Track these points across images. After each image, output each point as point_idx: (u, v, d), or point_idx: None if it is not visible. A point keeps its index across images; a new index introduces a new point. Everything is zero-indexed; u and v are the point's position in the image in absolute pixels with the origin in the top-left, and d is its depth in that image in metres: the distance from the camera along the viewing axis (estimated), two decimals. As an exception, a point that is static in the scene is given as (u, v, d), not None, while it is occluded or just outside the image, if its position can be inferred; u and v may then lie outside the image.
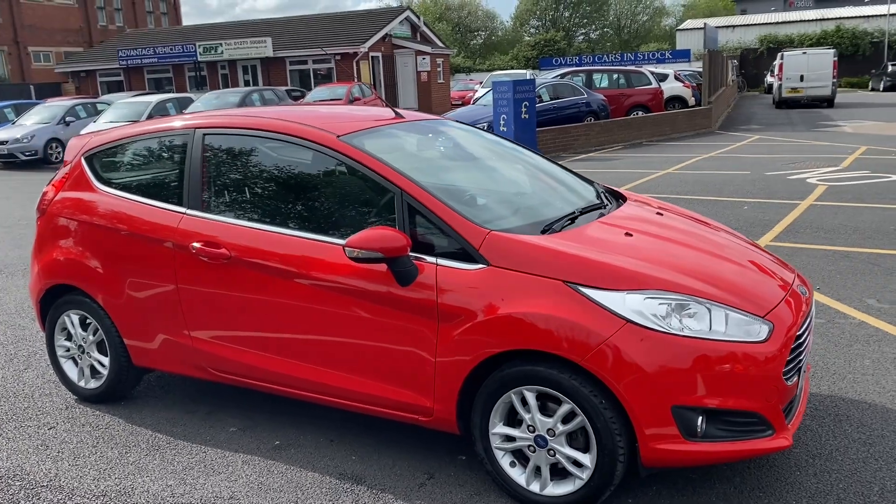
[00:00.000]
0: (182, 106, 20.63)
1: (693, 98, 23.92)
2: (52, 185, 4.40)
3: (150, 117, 19.70)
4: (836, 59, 28.68)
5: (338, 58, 28.56)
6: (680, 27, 54.22)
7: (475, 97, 24.52)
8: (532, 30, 73.23)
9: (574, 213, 3.56)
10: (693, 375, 2.80)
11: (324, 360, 3.47)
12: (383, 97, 29.09)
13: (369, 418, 3.77)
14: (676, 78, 24.24)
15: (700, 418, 2.82)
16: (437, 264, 3.15)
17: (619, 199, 4.04)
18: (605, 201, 3.91)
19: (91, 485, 3.45)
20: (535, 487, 3.09)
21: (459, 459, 3.52)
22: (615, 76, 21.64)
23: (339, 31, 30.97)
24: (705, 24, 31.77)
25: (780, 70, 28.75)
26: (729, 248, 3.57)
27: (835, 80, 28.49)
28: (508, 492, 3.15)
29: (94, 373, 4.33)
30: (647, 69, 22.18)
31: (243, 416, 4.08)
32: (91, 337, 4.25)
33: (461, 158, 4.23)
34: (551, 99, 18.40)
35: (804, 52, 29.40)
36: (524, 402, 3.04)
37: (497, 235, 3.13)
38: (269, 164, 3.81)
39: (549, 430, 2.99)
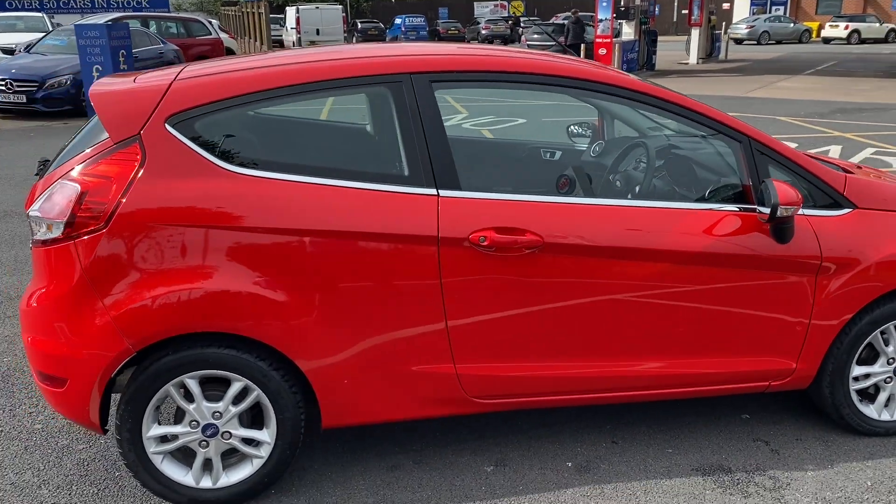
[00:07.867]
0: None
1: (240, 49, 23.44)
2: (99, 176, 2.54)
3: None
4: (344, 14, 31.15)
5: None
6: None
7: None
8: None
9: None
10: None
11: (671, 347, 2.93)
12: None
13: (619, 409, 3.34)
14: (222, 29, 23.36)
15: None
16: (806, 214, 2.96)
17: None
18: None
19: None
20: (886, 416, 3.24)
21: (755, 444, 3.39)
22: (170, 25, 19.84)
23: None
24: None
25: (298, 24, 30.01)
26: None
27: (346, 34, 31.01)
28: (858, 427, 3.22)
29: (231, 458, 2.79)
30: (203, 18, 20.83)
31: (467, 449, 3.14)
32: (232, 407, 2.70)
33: None
34: (130, 49, 16.07)
35: (317, 7, 31.15)
36: (884, 339, 3.14)
37: (853, 178, 3.09)
38: (552, 116, 2.91)
39: (910, 359, 3.16)
